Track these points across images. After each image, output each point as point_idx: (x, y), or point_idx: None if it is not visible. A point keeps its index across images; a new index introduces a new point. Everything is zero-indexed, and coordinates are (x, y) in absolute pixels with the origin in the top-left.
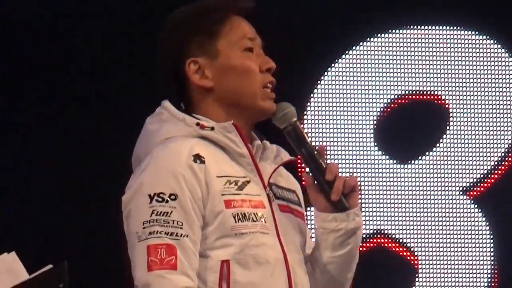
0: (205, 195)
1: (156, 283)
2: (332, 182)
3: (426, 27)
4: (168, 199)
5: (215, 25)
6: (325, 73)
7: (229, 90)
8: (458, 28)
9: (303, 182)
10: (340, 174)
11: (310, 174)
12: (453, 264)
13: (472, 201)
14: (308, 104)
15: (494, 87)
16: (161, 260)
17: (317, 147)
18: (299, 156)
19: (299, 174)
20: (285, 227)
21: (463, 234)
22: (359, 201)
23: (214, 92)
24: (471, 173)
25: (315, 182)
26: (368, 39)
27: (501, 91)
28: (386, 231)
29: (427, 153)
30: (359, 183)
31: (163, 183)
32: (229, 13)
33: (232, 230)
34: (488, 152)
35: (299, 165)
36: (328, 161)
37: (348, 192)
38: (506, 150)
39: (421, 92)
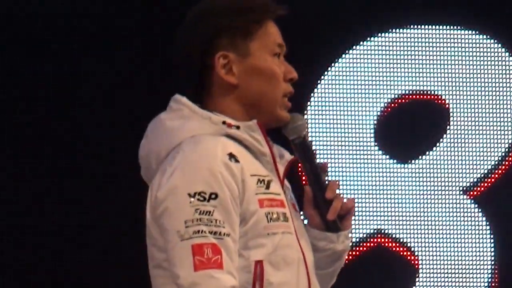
0: (241, 194)
1: (205, 282)
2: (331, 200)
3: (426, 27)
4: (209, 198)
5: (252, 25)
6: (325, 73)
7: (252, 91)
8: (458, 28)
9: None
10: (339, 194)
11: (310, 189)
12: (453, 264)
13: (472, 201)
14: (308, 104)
15: (494, 87)
16: (208, 260)
17: (320, 164)
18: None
19: (299, 174)
20: (299, 227)
21: (463, 234)
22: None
23: (237, 90)
24: (472, 173)
25: (314, 197)
26: (368, 39)
27: (501, 91)
28: (386, 231)
29: (427, 153)
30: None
31: (202, 181)
32: (266, 16)
33: (264, 229)
34: (489, 152)
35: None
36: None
37: (343, 214)
38: (506, 150)
39: (421, 92)
